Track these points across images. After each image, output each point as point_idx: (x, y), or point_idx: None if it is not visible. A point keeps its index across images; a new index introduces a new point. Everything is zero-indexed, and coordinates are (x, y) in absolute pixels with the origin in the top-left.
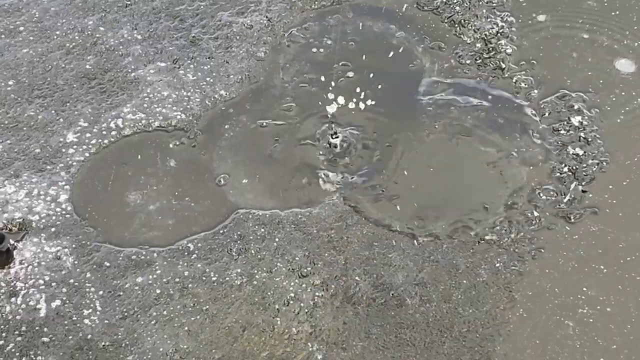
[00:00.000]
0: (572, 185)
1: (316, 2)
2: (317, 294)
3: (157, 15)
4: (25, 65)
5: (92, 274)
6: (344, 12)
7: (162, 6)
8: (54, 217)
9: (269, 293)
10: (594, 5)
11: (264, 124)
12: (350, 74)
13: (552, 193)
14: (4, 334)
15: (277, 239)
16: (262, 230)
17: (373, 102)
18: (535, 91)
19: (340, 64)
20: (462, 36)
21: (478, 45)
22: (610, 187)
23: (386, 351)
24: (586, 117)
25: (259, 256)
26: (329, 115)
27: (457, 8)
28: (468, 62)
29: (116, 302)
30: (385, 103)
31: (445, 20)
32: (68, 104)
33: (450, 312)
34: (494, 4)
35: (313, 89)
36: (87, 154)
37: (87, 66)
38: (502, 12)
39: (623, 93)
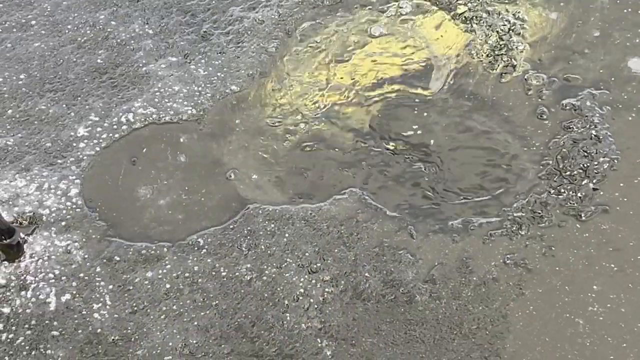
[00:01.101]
0: (583, 183)
1: None
2: (326, 289)
3: (168, 10)
4: (36, 59)
5: (102, 268)
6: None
7: (173, 1)
8: (64, 211)
9: (278, 288)
10: (606, 2)
11: (276, 119)
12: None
13: (562, 191)
14: (13, 328)
15: (287, 235)
16: (272, 225)
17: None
18: (546, 89)
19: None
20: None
21: (490, 41)
22: (621, 185)
23: (395, 347)
24: (597, 115)
25: (268, 252)
26: None
27: (469, 5)
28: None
29: (126, 296)
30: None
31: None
32: (79, 98)
33: (459, 309)
34: (507, 1)
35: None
36: (97, 148)
37: (99, 60)
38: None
39: (635, 91)
